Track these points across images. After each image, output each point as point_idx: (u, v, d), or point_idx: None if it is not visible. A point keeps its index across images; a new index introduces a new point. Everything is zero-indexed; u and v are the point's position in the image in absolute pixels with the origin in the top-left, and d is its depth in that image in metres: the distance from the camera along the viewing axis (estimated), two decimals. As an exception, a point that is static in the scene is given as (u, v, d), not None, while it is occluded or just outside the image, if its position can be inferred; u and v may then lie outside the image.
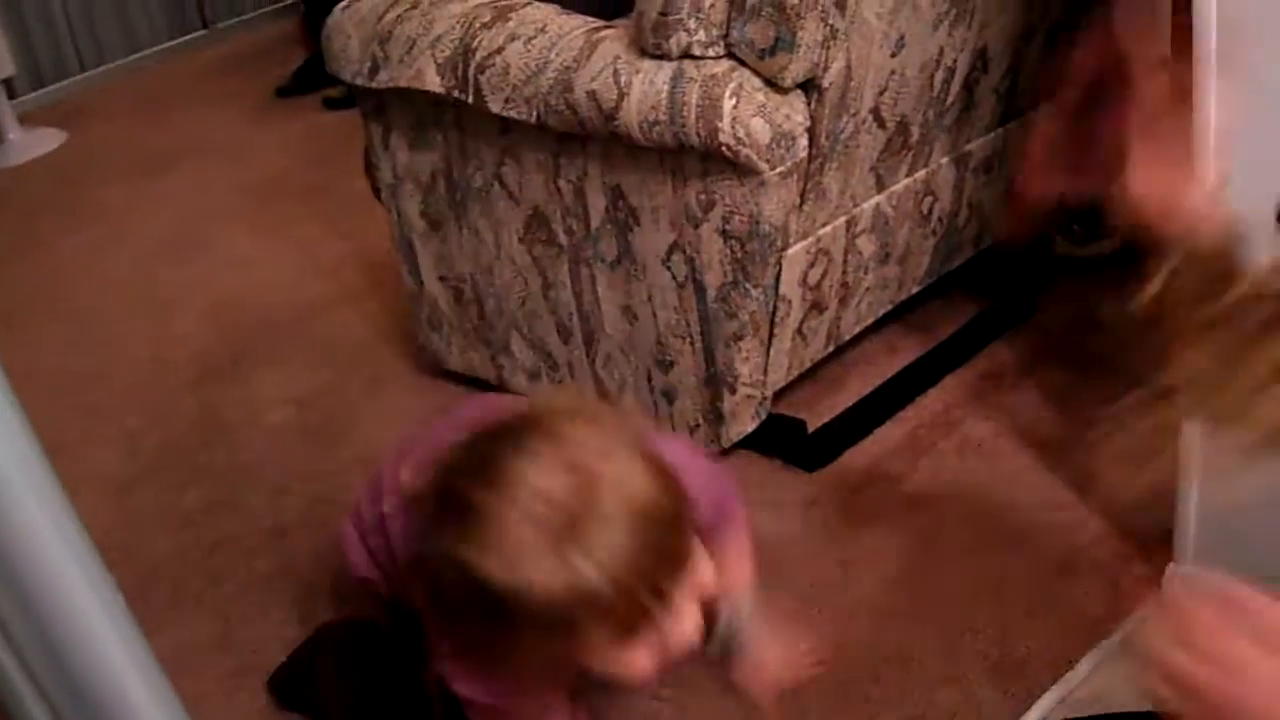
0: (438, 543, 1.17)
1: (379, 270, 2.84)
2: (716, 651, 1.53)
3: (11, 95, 4.33)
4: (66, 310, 3.10)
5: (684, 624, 1.19)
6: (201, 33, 5.04)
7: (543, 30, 1.92)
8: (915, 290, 2.34)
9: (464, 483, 1.16)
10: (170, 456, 2.44)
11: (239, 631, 1.97)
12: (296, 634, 1.92)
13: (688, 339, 2.00)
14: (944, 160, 2.19)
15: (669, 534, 1.16)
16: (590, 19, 1.95)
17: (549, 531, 1.10)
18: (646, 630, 1.16)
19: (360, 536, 1.61)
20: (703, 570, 1.22)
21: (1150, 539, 1.82)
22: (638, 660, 1.19)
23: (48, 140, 4.25)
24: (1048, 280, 2.53)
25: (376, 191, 2.35)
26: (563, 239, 2.04)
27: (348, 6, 2.18)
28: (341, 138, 3.41)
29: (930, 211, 2.22)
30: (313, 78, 4.06)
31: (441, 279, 2.30)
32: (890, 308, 2.30)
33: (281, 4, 5.20)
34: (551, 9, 1.98)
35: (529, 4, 2.00)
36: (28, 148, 4.20)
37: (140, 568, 2.13)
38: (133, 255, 3.33)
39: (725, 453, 2.13)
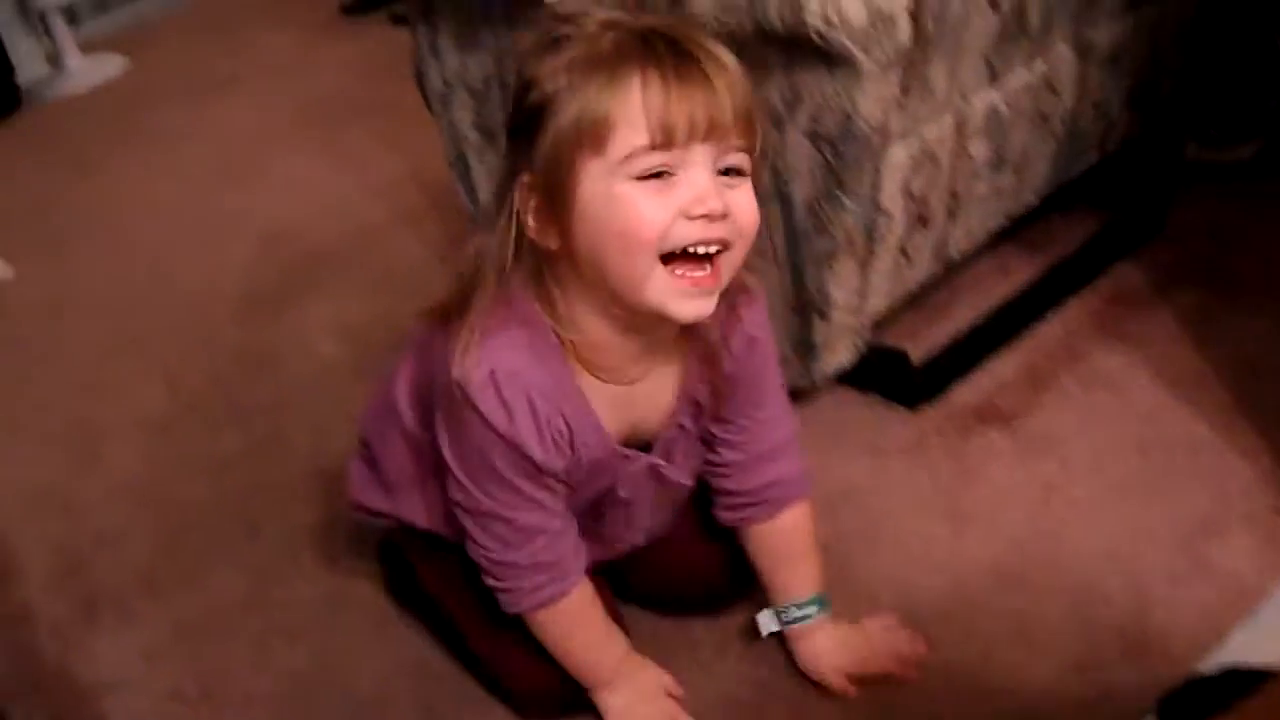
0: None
1: (437, 190, 2.66)
2: (770, 625, 1.50)
3: (73, 21, 4.25)
4: (117, 239, 3.00)
5: (697, 180, 1.13)
6: (269, -48, 4.88)
7: (601, -94, 1.68)
8: (1033, 202, 2.08)
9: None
10: (211, 395, 2.29)
11: (273, 590, 1.80)
12: (332, 589, 1.77)
13: (773, 259, 1.75)
14: (1066, 50, 1.93)
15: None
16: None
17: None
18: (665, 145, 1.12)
19: (368, 465, 1.59)
20: (742, 192, 1.17)
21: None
22: (645, 207, 1.13)
23: (109, 66, 4.19)
24: (1179, 189, 2.28)
25: (428, 103, 2.16)
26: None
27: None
28: (408, 54, 3.25)
29: (1051, 111, 1.96)
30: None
31: (498, 195, 2.09)
32: (1005, 222, 2.04)
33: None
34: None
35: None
36: (88, 75, 4.15)
37: (171, 518, 1.99)
38: (187, 181, 3.24)
39: (818, 390, 1.91)
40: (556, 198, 1.16)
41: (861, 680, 1.45)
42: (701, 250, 1.14)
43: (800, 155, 1.63)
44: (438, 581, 1.56)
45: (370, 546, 1.77)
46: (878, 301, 1.83)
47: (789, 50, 1.56)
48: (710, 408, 1.38)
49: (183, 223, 2.99)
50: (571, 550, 1.37)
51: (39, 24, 4.22)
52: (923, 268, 1.89)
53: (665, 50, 1.12)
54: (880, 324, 1.91)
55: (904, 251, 1.81)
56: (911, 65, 1.60)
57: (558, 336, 1.24)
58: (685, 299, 1.16)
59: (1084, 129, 2.07)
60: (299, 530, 1.89)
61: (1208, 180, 2.32)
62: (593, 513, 1.42)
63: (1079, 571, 1.59)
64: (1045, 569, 1.60)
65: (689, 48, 1.13)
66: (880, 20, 1.50)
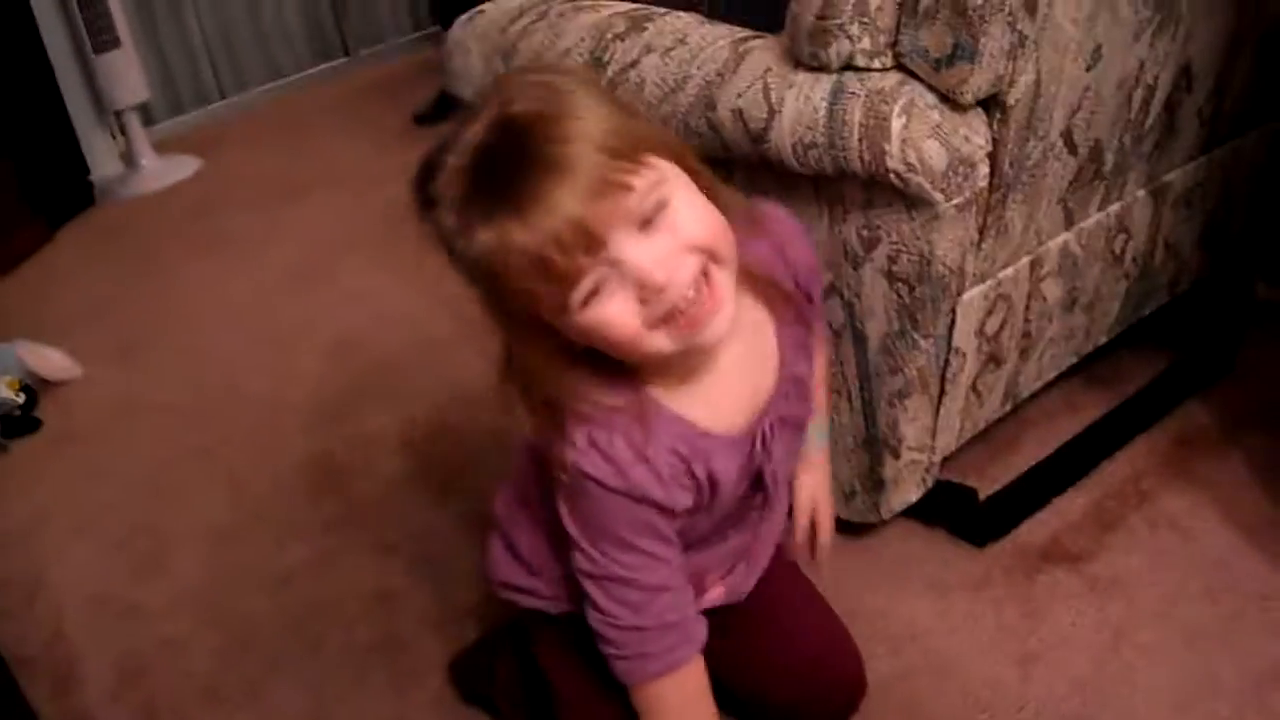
0: None
1: (503, 305, 2.65)
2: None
3: (148, 122, 4.30)
4: (186, 342, 3.00)
5: (642, 260, 1.10)
6: (342, 60, 4.96)
7: (683, 41, 1.70)
8: (1103, 341, 2.07)
9: None
10: (275, 506, 2.28)
11: (333, 709, 1.79)
12: (394, 711, 1.76)
13: (845, 394, 1.76)
14: (1140, 192, 1.93)
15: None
16: (738, 28, 1.73)
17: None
18: (584, 275, 1.10)
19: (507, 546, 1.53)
20: (681, 215, 1.13)
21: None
22: (613, 315, 1.12)
23: (182, 167, 4.20)
24: (1249, 329, 2.28)
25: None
26: (703, 277, 1.82)
27: (469, 20, 1.99)
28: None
29: (1123, 251, 1.96)
30: (452, 104, 3.94)
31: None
32: (1075, 360, 2.03)
33: (423, 32, 5.11)
34: (693, 18, 1.76)
35: (668, 13, 1.78)
36: (162, 175, 4.16)
37: (234, 629, 1.98)
38: (257, 286, 3.24)
39: (884, 523, 1.89)
40: (541, 336, 1.17)
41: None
42: (683, 303, 1.13)
43: (876, 294, 1.64)
44: (560, 671, 1.52)
45: (434, 670, 1.76)
46: (948, 439, 1.82)
47: (869, 190, 1.57)
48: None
49: (251, 329, 2.99)
50: (694, 613, 1.34)
51: (114, 121, 4.28)
52: (993, 406, 1.89)
53: (503, 179, 1.09)
54: (947, 457, 1.89)
55: (975, 390, 1.80)
56: (989, 208, 1.61)
57: (631, 383, 1.24)
58: (701, 333, 1.15)
59: (1155, 269, 2.06)
60: (361, 649, 1.88)
61: (1278, 320, 2.30)
62: (749, 494, 1.38)
63: (1147, 718, 1.56)
64: (1112, 715, 1.58)
65: (525, 157, 1.08)
66: (960, 164, 1.51)
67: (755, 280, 1.27)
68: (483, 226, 1.09)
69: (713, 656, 1.37)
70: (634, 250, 1.10)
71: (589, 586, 1.31)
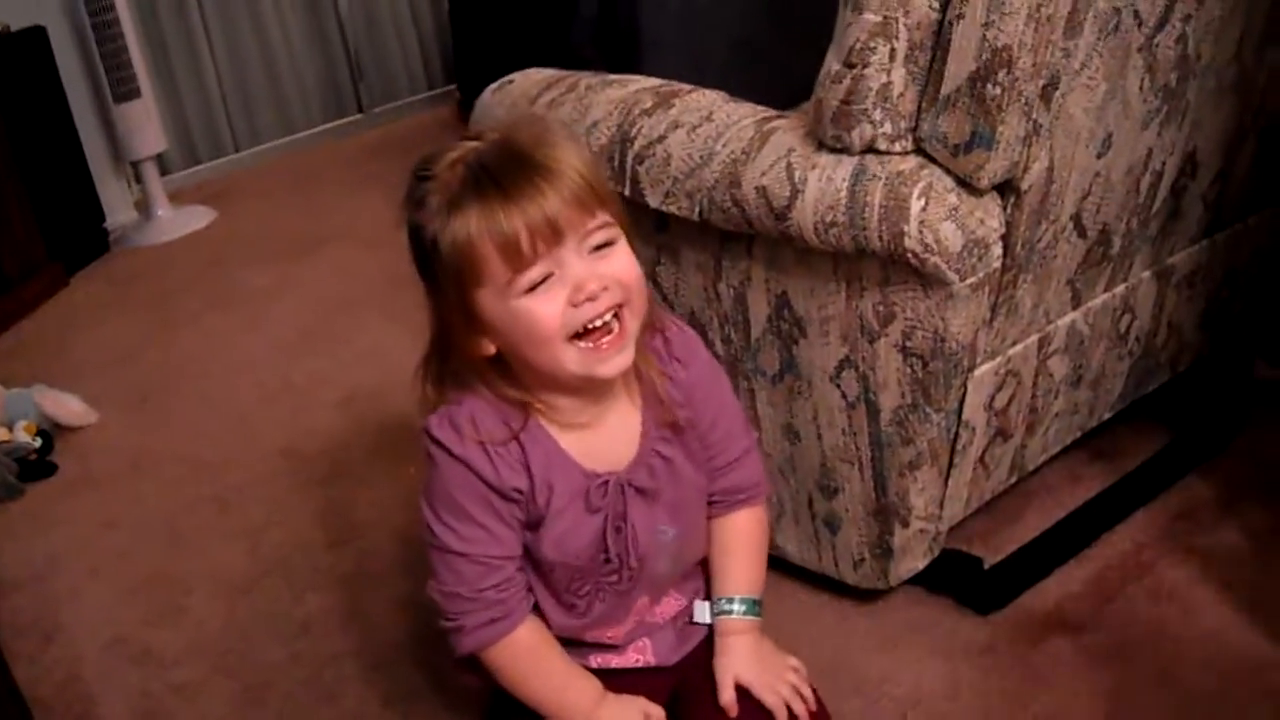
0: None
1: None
2: (703, 615, 1.56)
3: (164, 172, 4.34)
4: (200, 394, 3.04)
5: (584, 269, 1.27)
6: (357, 117, 5.03)
7: (708, 118, 1.76)
8: (1106, 417, 2.12)
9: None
10: (293, 558, 2.31)
11: (349, 761, 1.82)
12: None
13: (856, 465, 1.80)
14: (1145, 274, 1.99)
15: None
16: (761, 107, 1.78)
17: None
18: (537, 263, 1.26)
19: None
20: (621, 258, 1.31)
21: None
22: (544, 310, 1.27)
23: (197, 218, 4.25)
24: (1248, 407, 2.32)
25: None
26: (719, 348, 1.87)
27: (499, 89, 2.05)
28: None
29: (1128, 330, 2.01)
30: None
31: (587, 382, 2.13)
32: (1079, 435, 2.09)
33: (437, 90, 5.19)
34: (719, 96, 1.82)
35: (694, 90, 1.84)
36: (176, 225, 4.21)
37: (249, 678, 2.01)
38: (271, 341, 3.28)
39: (891, 590, 1.93)
40: (471, 322, 1.32)
41: (745, 701, 1.47)
42: (599, 322, 1.29)
43: (890, 368, 1.69)
44: None
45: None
46: (955, 509, 1.87)
47: (886, 268, 1.62)
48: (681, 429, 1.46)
49: (265, 382, 3.03)
50: (519, 597, 1.44)
51: (130, 171, 4.32)
52: (1000, 478, 1.94)
53: (498, 171, 1.26)
54: (953, 527, 1.93)
55: (983, 462, 1.85)
56: (1001, 288, 1.66)
57: (512, 398, 1.38)
58: (602, 363, 1.31)
59: (1158, 347, 2.12)
60: (378, 701, 1.91)
61: (1276, 398, 2.35)
62: (603, 561, 1.45)
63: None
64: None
65: (520, 161, 1.27)
66: (975, 246, 1.57)
67: (639, 357, 1.39)
68: (472, 205, 1.25)
69: None
70: (580, 261, 1.28)
71: (433, 557, 1.44)
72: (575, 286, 1.27)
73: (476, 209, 1.25)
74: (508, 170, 1.26)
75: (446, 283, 1.30)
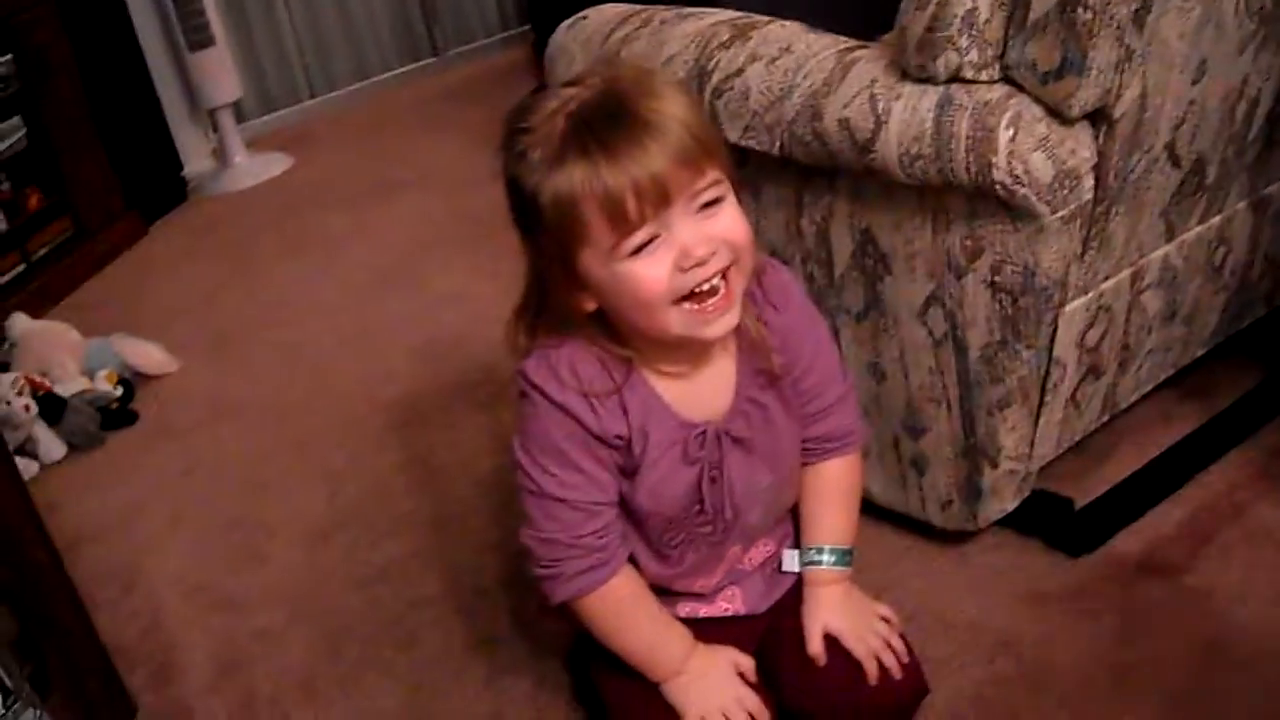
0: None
1: (598, 310, 2.66)
2: (792, 563, 1.55)
3: (240, 119, 4.36)
4: (279, 340, 3.05)
5: (692, 232, 1.22)
6: (431, 60, 5.00)
7: (788, 50, 1.71)
8: (1200, 353, 2.06)
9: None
10: (372, 503, 2.31)
11: (429, 705, 1.81)
12: (490, 709, 1.77)
13: (944, 404, 1.76)
14: (1240, 205, 1.92)
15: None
16: (843, 37, 1.73)
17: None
18: (644, 225, 1.21)
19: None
20: (729, 215, 1.26)
21: None
22: (649, 272, 1.23)
23: (273, 165, 4.26)
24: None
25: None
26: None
27: (572, 25, 2.01)
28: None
29: (1223, 263, 1.95)
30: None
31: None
32: (1172, 372, 2.02)
33: (512, 31, 5.13)
34: (798, 26, 1.77)
35: (772, 21, 1.79)
36: (253, 172, 4.22)
37: (329, 624, 2.02)
38: (348, 285, 3.28)
39: (979, 532, 1.89)
40: (572, 279, 1.27)
41: (834, 651, 1.45)
42: (706, 286, 1.24)
43: (979, 304, 1.64)
44: (613, 687, 1.54)
45: (529, 668, 1.79)
46: (1045, 449, 1.82)
47: (973, 201, 1.57)
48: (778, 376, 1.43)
49: (344, 328, 3.02)
50: (617, 544, 1.42)
51: (207, 119, 4.33)
52: (1091, 417, 1.88)
53: (601, 127, 1.20)
54: (1043, 467, 1.89)
55: (1074, 401, 1.80)
56: (1093, 221, 1.60)
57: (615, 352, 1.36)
58: (708, 325, 1.27)
59: (1254, 281, 2.05)
60: (458, 646, 1.90)
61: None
62: (697, 511, 1.44)
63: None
64: (1212, 732, 1.57)
65: (624, 115, 1.21)
66: (1066, 177, 1.51)
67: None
68: (575, 162, 1.19)
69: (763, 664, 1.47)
70: (687, 222, 1.22)
71: (529, 504, 1.41)
72: (683, 251, 1.22)
73: (580, 169, 1.19)
74: (611, 126, 1.20)
75: (547, 239, 1.25)
